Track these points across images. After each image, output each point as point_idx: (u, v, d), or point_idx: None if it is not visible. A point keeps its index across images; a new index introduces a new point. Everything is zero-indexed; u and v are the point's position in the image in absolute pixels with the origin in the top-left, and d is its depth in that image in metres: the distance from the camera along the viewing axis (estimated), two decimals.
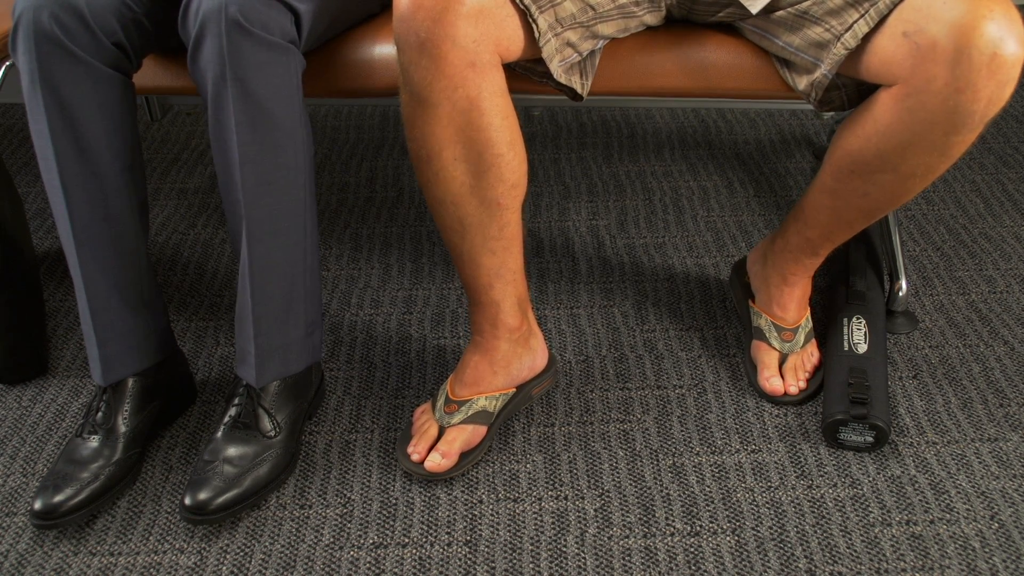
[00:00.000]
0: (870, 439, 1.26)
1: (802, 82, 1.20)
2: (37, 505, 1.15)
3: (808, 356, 1.38)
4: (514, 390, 1.30)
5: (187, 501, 1.15)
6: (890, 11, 1.08)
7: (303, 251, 1.20)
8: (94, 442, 1.21)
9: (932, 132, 1.09)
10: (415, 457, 1.24)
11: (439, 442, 1.25)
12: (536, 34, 1.10)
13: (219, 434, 1.21)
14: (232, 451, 1.19)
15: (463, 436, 1.25)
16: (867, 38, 1.11)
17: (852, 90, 1.17)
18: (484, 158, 1.10)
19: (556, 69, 1.15)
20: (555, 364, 1.36)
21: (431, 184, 1.14)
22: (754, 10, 1.19)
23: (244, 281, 1.18)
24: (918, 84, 1.07)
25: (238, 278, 1.19)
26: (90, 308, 1.21)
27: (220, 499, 1.16)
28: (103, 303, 1.22)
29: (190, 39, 1.11)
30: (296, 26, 1.14)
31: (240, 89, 1.09)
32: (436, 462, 1.23)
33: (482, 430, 1.26)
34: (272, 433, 1.22)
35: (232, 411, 1.22)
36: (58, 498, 1.15)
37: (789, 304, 1.39)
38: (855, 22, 1.11)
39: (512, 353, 1.28)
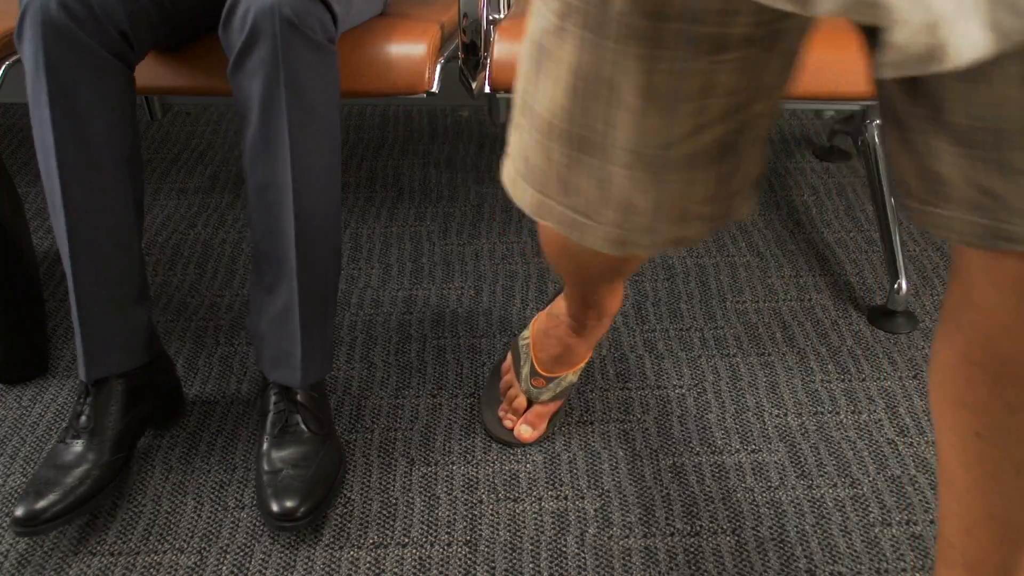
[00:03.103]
0: None
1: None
2: (19, 512, 1.12)
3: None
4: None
5: (275, 509, 1.13)
6: None
7: (337, 251, 1.21)
8: (78, 446, 1.18)
9: None
10: (507, 424, 1.30)
11: (529, 413, 1.29)
12: None
13: (271, 443, 1.19)
14: (296, 455, 1.18)
15: (551, 409, 1.30)
16: None
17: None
18: None
19: None
20: None
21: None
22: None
23: (289, 284, 1.17)
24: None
25: (265, 281, 1.18)
26: (77, 300, 1.18)
27: (306, 504, 1.14)
28: (92, 296, 1.19)
29: (237, 44, 1.09)
30: (333, 26, 1.15)
31: (293, 91, 1.09)
32: (529, 433, 1.29)
33: (563, 397, 1.32)
34: (322, 429, 1.21)
35: (275, 417, 1.21)
36: (41, 504, 1.12)
37: None
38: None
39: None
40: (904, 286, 1.51)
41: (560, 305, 1.27)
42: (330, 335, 1.24)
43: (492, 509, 1.21)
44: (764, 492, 1.23)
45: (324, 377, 1.25)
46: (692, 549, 1.15)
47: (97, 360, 1.21)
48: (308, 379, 1.21)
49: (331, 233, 1.19)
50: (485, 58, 1.41)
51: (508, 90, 1.40)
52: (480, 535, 1.18)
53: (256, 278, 1.21)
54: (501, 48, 1.38)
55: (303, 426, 1.20)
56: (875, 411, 1.35)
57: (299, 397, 1.21)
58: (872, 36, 0.68)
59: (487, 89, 1.41)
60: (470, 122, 2.18)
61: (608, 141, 0.75)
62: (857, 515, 1.19)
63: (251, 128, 1.12)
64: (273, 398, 1.22)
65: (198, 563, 1.15)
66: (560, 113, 0.76)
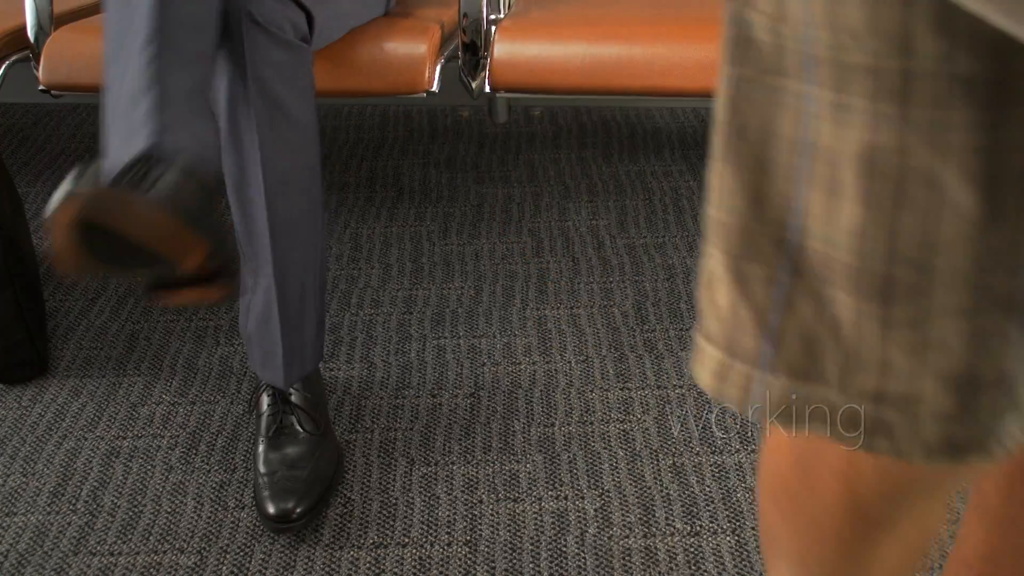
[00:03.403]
0: None
1: None
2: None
3: None
4: None
5: (271, 511, 1.13)
6: None
7: (318, 249, 1.20)
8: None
9: None
10: None
11: None
12: None
13: (267, 444, 1.19)
14: (292, 456, 1.18)
15: None
16: None
17: None
18: None
19: None
20: None
21: None
22: None
23: (267, 282, 1.17)
24: None
25: (250, 280, 1.18)
26: (158, 71, 0.95)
27: (303, 505, 1.14)
28: (172, 67, 0.98)
29: None
30: (308, 25, 1.15)
31: (259, 88, 1.09)
32: None
33: None
34: (317, 430, 1.21)
35: (270, 418, 1.21)
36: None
37: None
38: None
39: None
40: None
41: None
42: (313, 333, 1.24)
43: (492, 509, 1.21)
44: None
45: (310, 376, 1.25)
46: (692, 549, 1.15)
47: (179, 124, 0.96)
48: (291, 379, 1.21)
49: (310, 231, 1.18)
50: (485, 58, 1.41)
51: (508, 90, 1.40)
52: (480, 535, 1.18)
53: (244, 278, 1.21)
54: (501, 48, 1.38)
55: (298, 426, 1.20)
56: None
57: (293, 398, 1.21)
58: None
59: (487, 89, 1.41)
60: (470, 122, 2.18)
61: (927, 275, 0.47)
62: None
63: (221, 127, 1.13)
64: (267, 399, 1.22)
65: (198, 563, 1.15)
66: (845, 240, 0.48)
